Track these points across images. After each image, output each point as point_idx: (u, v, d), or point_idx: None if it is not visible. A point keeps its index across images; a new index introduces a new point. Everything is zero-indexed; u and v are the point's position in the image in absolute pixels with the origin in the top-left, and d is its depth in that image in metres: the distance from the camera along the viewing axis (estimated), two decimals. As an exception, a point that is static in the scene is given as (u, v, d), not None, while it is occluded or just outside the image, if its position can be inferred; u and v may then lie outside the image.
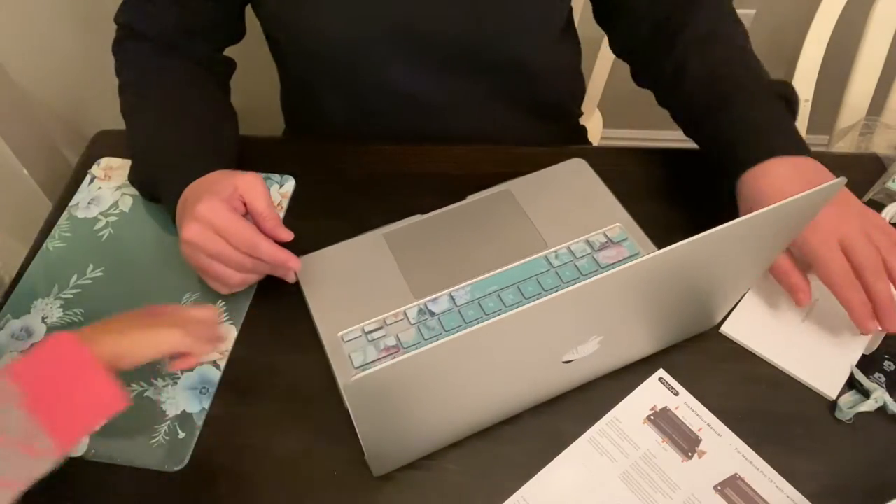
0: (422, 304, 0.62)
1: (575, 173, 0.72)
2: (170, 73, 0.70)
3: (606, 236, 0.66)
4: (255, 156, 0.72)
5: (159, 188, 0.65)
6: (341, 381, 0.58)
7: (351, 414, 0.44)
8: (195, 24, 0.70)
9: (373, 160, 0.76)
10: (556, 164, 0.73)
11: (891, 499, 0.52)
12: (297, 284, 0.63)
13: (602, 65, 1.05)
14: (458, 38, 0.70)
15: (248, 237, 0.56)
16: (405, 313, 0.62)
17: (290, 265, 0.58)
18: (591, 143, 0.98)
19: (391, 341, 0.60)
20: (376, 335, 0.60)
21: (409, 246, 0.67)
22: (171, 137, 0.66)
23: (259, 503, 0.54)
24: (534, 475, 0.55)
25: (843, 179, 0.47)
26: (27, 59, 1.30)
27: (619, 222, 0.67)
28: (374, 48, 0.70)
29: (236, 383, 0.60)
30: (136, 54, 0.72)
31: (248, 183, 0.59)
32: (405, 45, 0.69)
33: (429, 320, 0.61)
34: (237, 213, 0.57)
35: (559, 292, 0.40)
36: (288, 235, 0.59)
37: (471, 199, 0.70)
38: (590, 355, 0.52)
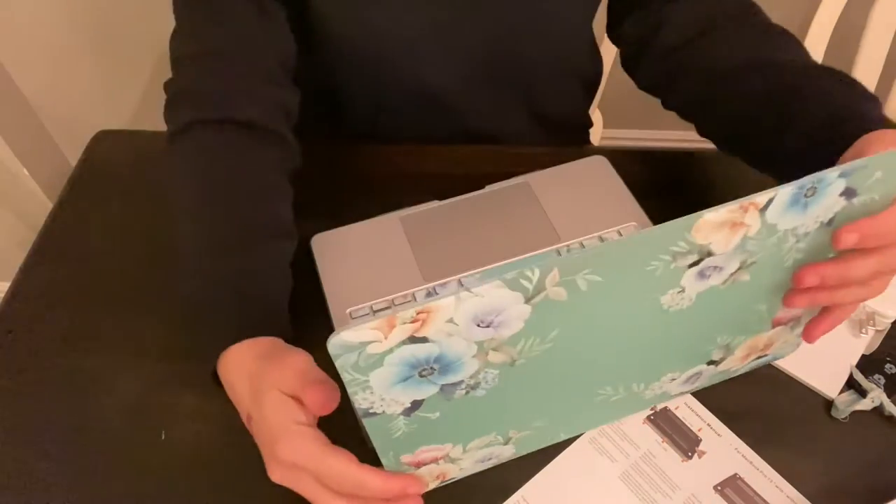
0: (430, 288, 0.63)
1: (595, 170, 0.72)
2: (244, 167, 0.59)
3: (620, 234, 0.67)
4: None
5: (206, 320, 0.54)
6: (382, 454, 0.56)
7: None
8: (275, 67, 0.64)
9: (373, 160, 0.76)
10: (566, 162, 0.73)
11: (890, 499, 0.52)
12: (306, 274, 0.63)
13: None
14: (489, 43, 0.71)
15: (349, 477, 0.43)
16: (414, 295, 0.62)
17: (411, 492, 0.44)
18: (591, 144, 0.98)
19: None
20: (384, 314, 0.61)
21: (423, 230, 0.67)
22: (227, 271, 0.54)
23: (259, 503, 0.54)
24: (534, 475, 0.55)
25: None
26: (28, 61, 1.30)
27: (634, 221, 0.67)
28: (416, 45, 0.71)
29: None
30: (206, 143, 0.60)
31: (301, 370, 0.47)
32: (444, 43, 0.71)
33: None
34: (327, 446, 0.44)
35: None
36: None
37: (489, 188, 0.71)
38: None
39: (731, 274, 0.43)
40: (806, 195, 0.39)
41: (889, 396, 0.57)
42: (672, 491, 0.54)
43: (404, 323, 0.36)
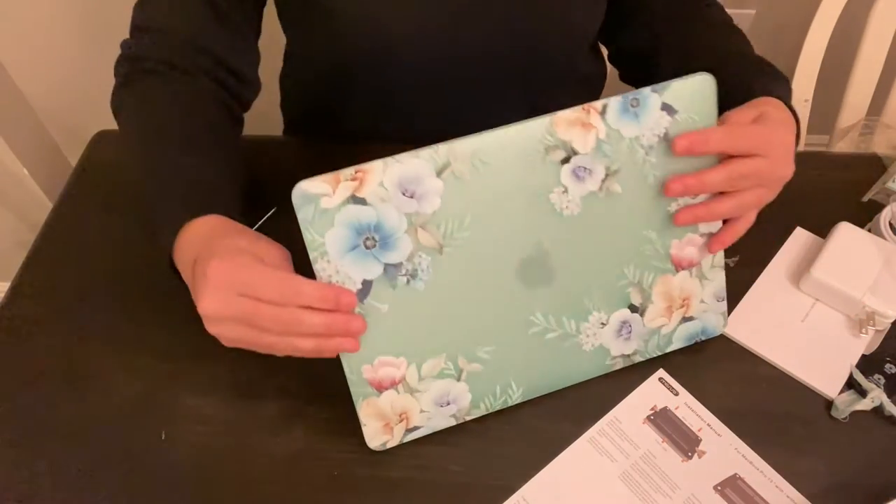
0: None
1: None
2: (182, 96, 0.64)
3: None
4: (254, 156, 0.72)
5: (156, 218, 0.56)
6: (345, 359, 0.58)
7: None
8: (221, 38, 0.68)
9: (372, 160, 0.76)
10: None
11: (890, 499, 0.52)
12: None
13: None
14: (494, 42, 0.72)
15: (286, 284, 0.45)
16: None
17: (343, 301, 0.46)
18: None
19: None
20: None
21: None
22: (181, 161, 0.58)
23: (259, 503, 0.54)
24: (534, 475, 0.55)
25: (710, 77, 0.50)
26: (28, 61, 1.30)
27: None
28: (421, 42, 0.71)
29: (236, 382, 0.60)
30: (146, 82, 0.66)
31: (276, 259, 0.49)
32: (448, 41, 0.71)
33: None
34: (257, 261, 0.46)
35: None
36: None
37: None
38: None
39: (602, 181, 0.51)
40: (632, 105, 0.49)
41: (889, 396, 0.57)
42: (672, 491, 0.54)
43: (346, 180, 0.47)
